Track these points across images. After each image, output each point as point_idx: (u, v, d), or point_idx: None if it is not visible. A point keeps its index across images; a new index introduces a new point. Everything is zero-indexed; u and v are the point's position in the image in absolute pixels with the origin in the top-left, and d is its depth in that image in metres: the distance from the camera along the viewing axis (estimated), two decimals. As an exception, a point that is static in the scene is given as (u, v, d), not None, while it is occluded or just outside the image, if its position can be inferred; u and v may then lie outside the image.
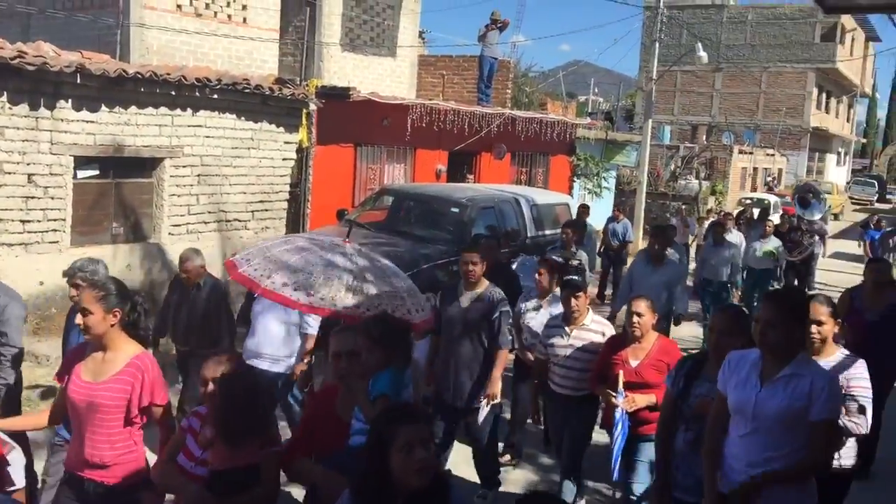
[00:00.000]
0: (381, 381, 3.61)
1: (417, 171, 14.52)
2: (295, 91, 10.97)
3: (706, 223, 16.46)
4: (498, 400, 5.70)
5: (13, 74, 7.91)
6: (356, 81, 14.57)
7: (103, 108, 8.85)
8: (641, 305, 5.00)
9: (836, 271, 17.80)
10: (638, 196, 19.77)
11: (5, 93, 7.96)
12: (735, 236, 12.20)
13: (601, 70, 48.80)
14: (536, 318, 6.35)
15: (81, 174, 8.89)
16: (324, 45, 14.83)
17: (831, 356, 4.44)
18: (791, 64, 40.64)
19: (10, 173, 8.11)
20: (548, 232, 11.98)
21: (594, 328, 5.50)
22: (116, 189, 9.38)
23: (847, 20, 40.01)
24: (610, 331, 5.51)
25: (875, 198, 44.42)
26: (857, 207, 39.78)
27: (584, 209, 12.60)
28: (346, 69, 15.35)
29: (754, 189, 32.44)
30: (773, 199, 26.58)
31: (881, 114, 64.66)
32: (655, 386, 4.84)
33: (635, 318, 4.98)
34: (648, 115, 20.29)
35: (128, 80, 8.85)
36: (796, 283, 14.25)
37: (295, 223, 11.88)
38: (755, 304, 11.78)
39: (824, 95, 43.94)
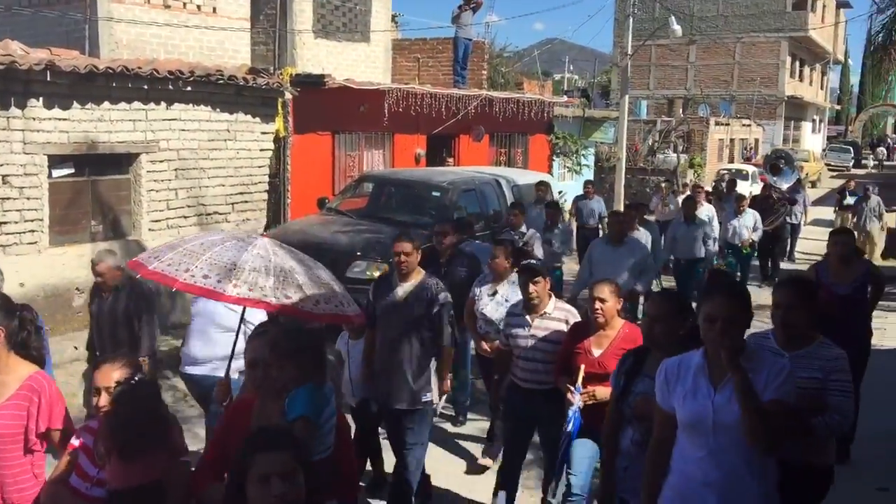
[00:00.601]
0: (298, 400, 3.27)
1: (396, 156, 14.46)
2: (269, 80, 10.86)
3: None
4: (440, 401, 5.37)
5: (-19, 75, 7.77)
6: (330, 68, 14.44)
7: (75, 105, 8.73)
8: (604, 290, 4.66)
9: (815, 239, 17.88)
10: (617, 172, 19.79)
11: (-26, 94, 7.82)
12: (705, 210, 11.96)
13: (575, 47, 48.83)
14: (491, 304, 6.05)
15: (56, 173, 8.77)
16: (296, 32, 14.68)
17: (808, 347, 3.87)
18: (764, 33, 40.79)
19: (-17, 175, 7.99)
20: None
21: (557, 316, 5.11)
22: (93, 187, 9.27)
23: (818, -12, 40.16)
24: (574, 318, 5.15)
25: (851, 164, 44.84)
26: (834, 174, 40.12)
27: (542, 187, 12.04)
28: (319, 56, 15.21)
29: (732, 160, 32.62)
30: (751, 169, 26.75)
31: (854, 80, 65.07)
32: None
33: (597, 305, 4.66)
34: (625, 90, 20.28)
35: (99, 75, 8.72)
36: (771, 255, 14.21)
37: (276, 213, 11.80)
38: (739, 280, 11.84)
39: (798, 64, 44.17)
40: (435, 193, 10.90)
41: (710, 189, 17.04)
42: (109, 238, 9.37)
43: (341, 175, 13.32)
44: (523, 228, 9.35)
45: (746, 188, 20.25)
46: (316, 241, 9.53)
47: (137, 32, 11.94)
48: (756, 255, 13.19)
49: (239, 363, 4.61)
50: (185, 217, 10.12)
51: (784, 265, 14.92)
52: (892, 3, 16.55)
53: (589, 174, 20.97)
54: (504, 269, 6.10)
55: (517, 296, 5.51)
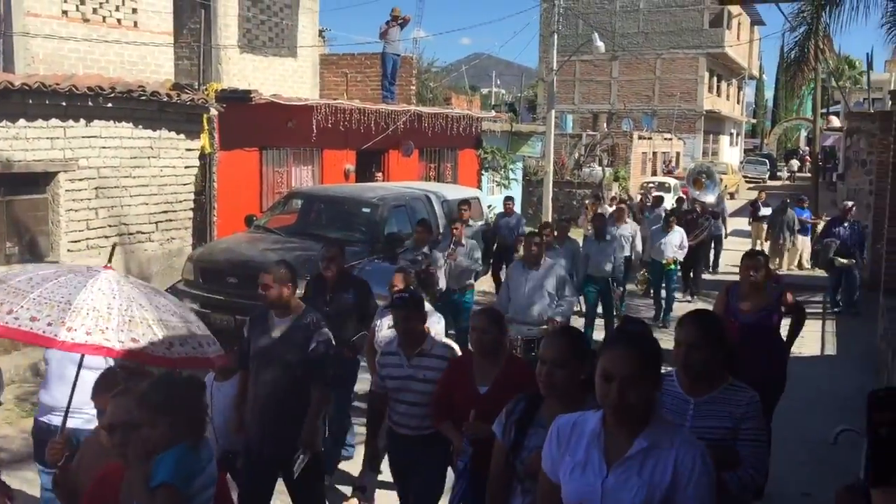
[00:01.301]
0: (164, 464, 2.80)
1: (325, 172, 14.35)
2: (194, 96, 10.68)
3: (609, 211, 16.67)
4: (308, 454, 4.65)
5: None
6: (257, 83, 14.26)
7: (-11, 122, 8.41)
8: (483, 319, 4.18)
9: (735, 250, 18.41)
10: (545, 186, 20.10)
11: None
12: (629, 227, 12.16)
13: (502, 62, 49.44)
14: (390, 336, 5.34)
15: (-31, 193, 8.43)
16: (221, 47, 14.46)
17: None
18: (683, 50, 42.07)
19: None
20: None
21: (438, 353, 4.59)
22: (7, 207, 8.93)
23: (733, 7, 41.65)
24: (454, 354, 4.71)
25: (767, 175, 46.52)
26: (751, 185, 41.53)
27: (465, 206, 11.30)
28: (245, 71, 15.01)
29: (654, 173, 33.45)
30: (673, 182, 27.46)
31: (768, 94, 67.68)
32: None
33: (475, 335, 4.15)
34: (551, 105, 20.64)
35: (14, 91, 8.43)
36: (691, 270, 13.96)
37: (202, 232, 11.57)
38: (662, 298, 11.96)
39: (715, 79, 45.68)
40: (365, 209, 10.84)
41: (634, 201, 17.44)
42: (26, 260, 9.03)
43: (269, 192, 13.15)
44: (426, 249, 8.93)
45: (669, 200, 20.73)
46: (243, 259, 9.38)
47: (55, 47, 11.56)
48: (678, 269, 12.96)
49: (83, 417, 4.15)
50: (107, 237, 9.83)
51: (709, 277, 15.18)
52: (804, 21, 17.26)
53: (517, 188, 21.22)
54: None
55: None
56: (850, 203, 13.43)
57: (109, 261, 3.70)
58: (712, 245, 16.05)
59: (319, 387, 4.68)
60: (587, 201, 19.37)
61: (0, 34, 11.11)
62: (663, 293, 12.08)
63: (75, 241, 9.45)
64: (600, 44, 21.47)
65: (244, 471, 4.72)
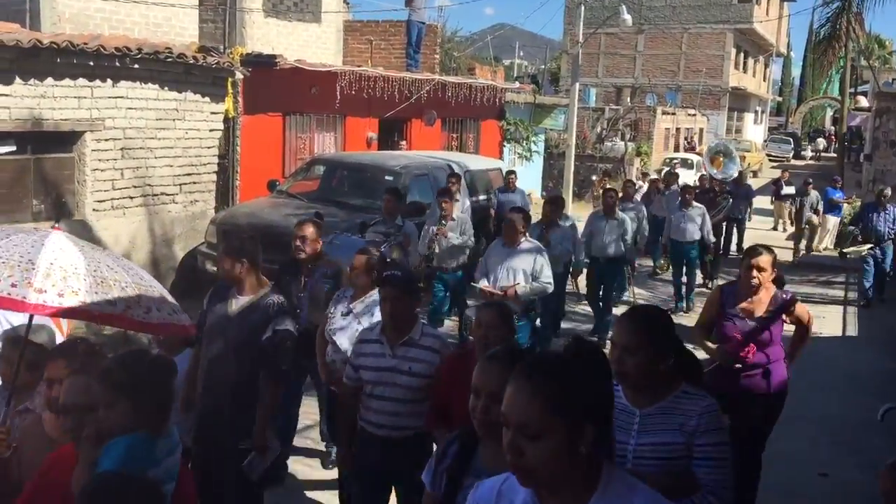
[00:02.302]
0: (113, 450, 2.47)
1: (348, 139, 14.34)
2: (219, 60, 10.66)
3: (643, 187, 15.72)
4: (258, 458, 4.22)
5: (-83, 46, 7.46)
6: (281, 48, 14.22)
7: (18, 80, 8.44)
8: (490, 315, 3.64)
9: (756, 229, 18.23)
10: (567, 159, 19.97)
11: (-90, 66, 7.51)
12: (633, 207, 11.23)
13: (526, 33, 48.97)
14: (347, 328, 4.72)
15: (-2, 150, 8.50)
16: (246, 10, 14.41)
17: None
18: (710, 25, 41.44)
19: (-81, 151, 7.69)
20: (481, 198, 12.05)
21: (427, 344, 4.00)
22: (36, 165, 9.00)
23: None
24: (445, 347, 4.11)
25: (791, 154, 45.98)
26: (775, 164, 41.10)
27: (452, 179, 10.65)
28: (269, 36, 14.96)
29: (677, 149, 33.17)
30: (696, 158, 27.22)
31: (795, 72, 66.62)
32: None
33: (481, 332, 3.60)
34: (575, 78, 20.44)
35: (43, 50, 8.45)
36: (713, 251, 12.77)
37: (224, 195, 11.61)
38: (682, 279, 11.18)
39: (742, 55, 45.02)
40: (387, 177, 10.84)
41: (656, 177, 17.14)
42: (52, 218, 9.10)
43: (292, 157, 13.17)
44: (399, 219, 8.17)
45: (691, 177, 20.52)
46: (266, 223, 9.42)
47: (81, 7, 11.57)
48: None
49: None
50: (131, 198, 9.91)
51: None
52: (836, -3, 16.97)
53: (539, 160, 21.11)
54: (363, 283, 4.78)
55: (373, 319, 4.50)
56: (888, 190, 12.46)
57: (57, 221, 3.45)
58: (734, 227, 15.19)
59: (269, 381, 4.22)
60: (594, 177, 18.82)
61: (28, -8, 11.13)
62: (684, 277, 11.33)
63: (101, 201, 9.53)
64: (627, 16, 21.17)
65: (194, 458, 4.17)
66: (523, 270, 6.76)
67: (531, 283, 6.74)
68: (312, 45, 15.97)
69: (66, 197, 9.34)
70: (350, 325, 4.73)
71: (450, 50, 24.14)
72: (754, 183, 31.42)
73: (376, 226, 8.14)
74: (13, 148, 8.68)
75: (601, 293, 9.60)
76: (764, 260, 4.79)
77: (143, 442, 2.52)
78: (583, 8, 20.19)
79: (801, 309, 5.09)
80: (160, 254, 10.28)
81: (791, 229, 19.24)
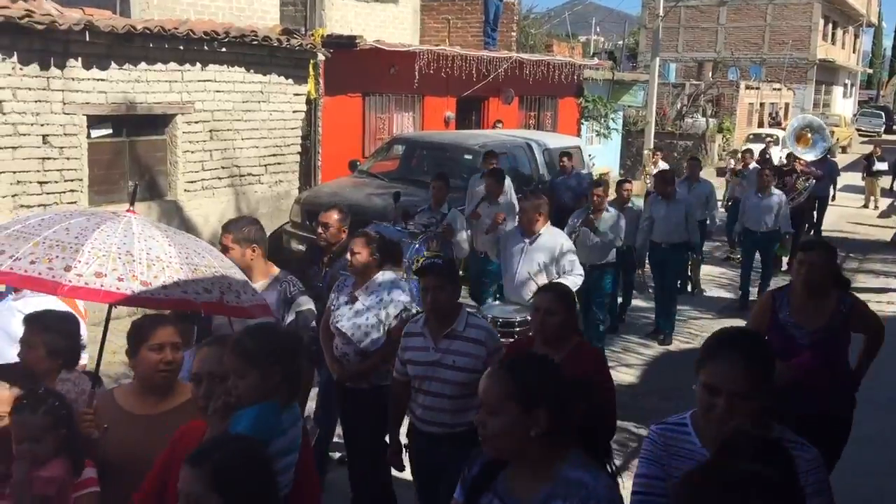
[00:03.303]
0: (243, 418, 2.51)
1: (426, 118, 14.41)
2: (302, 42, 10.83)
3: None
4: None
5: (22, 34, 7.81)
6: (359, 29, 14.36)
7: (113, 65, 8.76)
8: (547, 299, 3.65)
9: (845, 206, 17.54)
10: (646, 136, 19.61)
11: (15, 53, 7.86)
12: (703, 186, 10.52)
13: (602, 9, 48.00)
14: (347, 315, 4.42)
15: (95, 133, 8.85)
16: (326, -8, 14.57)
17: None
18: (797, -5, 39.95)
19: (25, 135, 8.07)
20: (560, 178, 11.96)
21: (472, 336, 3.82)
22: (130, 147, 9.35)
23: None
24: (494, 340, 3.91)
25: (882, 129, 44.13)
26: (865, 139, 39.48)
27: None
28: (348, 17, 15.11)
29: (761, 125, 32.18)
30: (781, 133, 26.37)
31: (887, 43, 63.99)
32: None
33: (538, 317, 3.63)
34: (655, 53, 20.00)
35: (136, 35, 8.75)
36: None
37: (307, 176, 11.84)
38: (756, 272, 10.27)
39: (830, 26, 43.27)
40: (467, 156, 10.88)
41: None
42: (146, 199, 9.47)
43: (371, 137, 13.32)
44: (445, 206, 7.58)
45: (776, 154, 19.85)
46: (349, 202, 9.57)
47: (169, -8, 11.92)
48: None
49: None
50: (220, 178, 10.20)
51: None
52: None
53: (617, 138, 20.81)
54: (365, 269, 4.43)
55: (382, 305, 4.33)
56: None
57: (132, 204, 3.25)
58: (815, 208, 14.32)
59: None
60: (646, 151, 17.55)
61: (119, -20, 11.52)
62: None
63: (191, 182, 9.84)
64: (710, -12, 20.56)
65: None
66: (543, 263, 6.01)
67: (563, 278, 5.87)
68: (390, 25, 16.06)
69: (159, 178, 9.68)
70: (354, 313, 4.41)
71: (526, 27, 23.92)
72: (843, 159, 30.36)
73: (420, 215, 7.54)
74: (109, 131, 9.03)
75: (665, 283, 8.84)
76: (818, 255, 4.11)
77: (270, 411, 2.55)
78: (663, -19, 19.69)
79: (870, 314, 4.35)
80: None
81: (883, 207, 18.51)
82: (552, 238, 6.10)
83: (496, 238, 7.31)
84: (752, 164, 13.19)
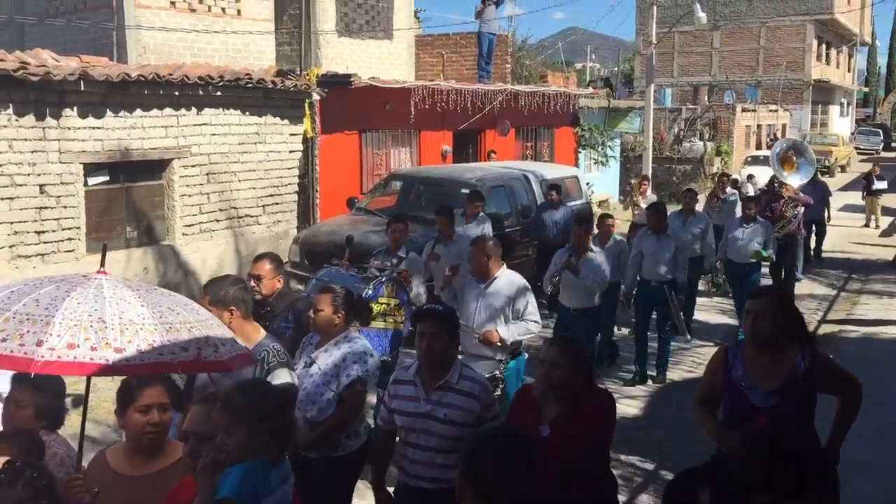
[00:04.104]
0: (230, 477, 2.48)
1: (423, 153, 14.47)
2: (297, 82, 10.92)
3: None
4: None
5: (17, 86, 7.89)
6: (354, 66, 14.48)
7: (108, 113, 8.83)
8: (554, 352, 3.46)
9: (844, 226, 17.43)
10: (644, 162, 19.66)
11: (11, 105, 7.95)
12: (697, 220, 9.82)
13: (597, 36, 48.49)
14: (310, 374, 4.13)
15: (92, 181, 8.90)
16: (320, 33, 14.72)
17: None
18: (789, 17, 40.24)
19: (21, 185, 8.12)
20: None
21: (465, 388, 3.67)
22: (127, 193, 9.39)
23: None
24: (487, 392, 3.78)
25: (881, 146, 44.22)
26: (864, 157, 39.54)
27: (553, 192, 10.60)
28: (343, 55, 15.25)
29: (759, 146, 32.26)
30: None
31: (882, 61, 64.15)
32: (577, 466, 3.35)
33: (543, 369, 3.47)
34: (650, 79, 20.12)
35: (131, 83, 8.83)
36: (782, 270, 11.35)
37: (305, 215, 11.87)
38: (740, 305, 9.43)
39: (824, 46, 43.52)
40: (464, 191, 10.88)
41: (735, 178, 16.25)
42: (144, 244, 9.49)
43: (369, 174, 13.36)
44: (404, 249, 6.84)
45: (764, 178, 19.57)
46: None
47: (164, 37, 12.05)
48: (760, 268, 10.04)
49: None
50: (218, 221, 10.22)
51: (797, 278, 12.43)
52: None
53: (615, 165, 20.86)
54: (329, 327, 4.18)
55: (337, 372, 4.05)
56: None
57: (102, 264, 3.12)
58: (812, 232, 13.67)
59: None
60: (633, 180, 16.75)
61: (114, 27, 11.65)
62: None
63: (189, 225, 9.86)
64: (702, 14, 20.75)
65: None
66: (499, 309, 5.48)
67: (513, 322, 5.48)
68: (385, 61, 16.19)
69: (157, 223, 9.70)
70: (311, 375, 4.11)
71: (521, 58, 24.11)
72: (842, 178, 30.40)
73: (376, 256, 7.02)
74: (106, 178, 9.08)
75: (655, 323, 8.22)
76: (770, 302, 3.59)
77: (258, 469, 2.52)
78: (655, 8, 19.86)
79: (840, 372, 3.75)
80: (246, 274, 10.54)
81: (884, 225, 18.45)
82: (508, 281, 5.57)
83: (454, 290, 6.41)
84: (730, 190, 12.94)
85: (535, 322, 5.55)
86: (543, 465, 3.08)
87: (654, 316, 8.22)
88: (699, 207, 10.76)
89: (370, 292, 5.91)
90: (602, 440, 3.52)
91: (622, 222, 13.18)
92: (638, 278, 8.26)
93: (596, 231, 8.48)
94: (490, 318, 5.45)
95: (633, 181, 13.79)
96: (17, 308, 2.75)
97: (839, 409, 3.69)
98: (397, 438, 3.84)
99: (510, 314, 5.49)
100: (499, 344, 5.36)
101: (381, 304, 6.02)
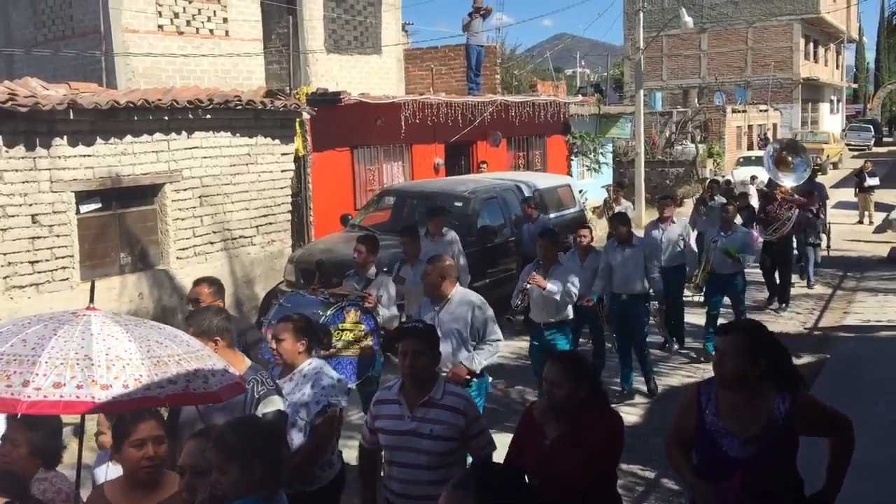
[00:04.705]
0: None
1: (416, 167, 14.50)
2: (286, 102, 10.93)
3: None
4: None
5: (6, 117, 7.89)
6: (344, 82, 14.52)
7: (98, 140, 8.83)
8: (554, 372, 3.44)
9: (839, 223, 17.41)
10: (637, 167, 19.74)
11: (0, 136, 7.94)
12: (676, 228, 9.39)
13: (586, 42, 48.66)
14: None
15: (84, 209, 8.88)
16: (309, 51, 14.76)
17: None
18: (776, 17, 40.43)
19: (13, 216, 8.11)
20: (552, 215, 11.99)
21: (449, 403, 3.68)
22: (120, 220, 9.38)
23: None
24: (473, 408, 3.78)
25: (872, 142, 44.39)
26: (856, 154, 39.67)
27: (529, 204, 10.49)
28: (332, 71, 15.29)
29: (751, 147, 32.35)
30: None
31: (870, 57, 64.33)
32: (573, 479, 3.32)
33: (546, 388, 3.46)
34: (639, 84, 20.21)
35: (120, 110, 8.83)
36: (776, 272, 11.22)
37: (300, 233, 11.88)
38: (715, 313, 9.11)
39: (812, 45, 43.73)
40: (457, 203, 10.90)
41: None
42: (139, 269, 9.48)
43: (362, 190, 13.38)
44: (372, 271, 6.60)
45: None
46: (342, 258, 9.57)
47: (153, 61, 12.09)
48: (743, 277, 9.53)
49: None
50: (212, 243, 10.21)
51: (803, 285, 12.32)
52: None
53: (608, 171, 20.91)
54: (291, 356, 4.13)
55: (304, 401, 3.97)
56: None
57: (91, 301, 3.17)
58: (814, 234, 12.88)
59: None
60: (605, 188, 15.84)
61: (103, 52, 11.68)
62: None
63: (183, 249, 9.85)
64: (688, 19, 20.85)
65: None
66: (458, 331, 5.23)
67: (479, 348, 5.28)
68: (374, 76, 16.24)
69: (150, 248, 9.69)
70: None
71: (510, 67, 24.19)
72: (835, 175, 30.45)
73: (348, 279, 6.75)
74: (98, 205, 9.07)
75: (632, 339, 7.89)
76: (729, 344, 3.21)
77: None
78: (641, 14, 19.96)
79: (828, 411, 3.32)
80: (242, 295, 10.55)
81: (877, 222, 18.51)
82: (464, 301, 5.28)
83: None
84: (718, 197, 12.61)
85: (497, 340, 5.40)
86: (547, 478, 3.24)
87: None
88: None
89: (328, 317, 5.63)
90: (605, 462, 3.45)
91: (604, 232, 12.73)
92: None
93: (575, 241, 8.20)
94: (448, 342, 5.09)
95: (606, 189, 12.66)
96: (5, 349, 2.77)
97: (832, 453, 3.30)
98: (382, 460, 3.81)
99: (469, 336, 5.26)
100: (468, 378, 5.20)
101: (343, 330, 5.74)
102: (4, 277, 8.06)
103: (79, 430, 3.65)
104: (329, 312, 5.63)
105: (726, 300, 9.31)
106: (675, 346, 9.05)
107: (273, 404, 3.70)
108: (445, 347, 4.93)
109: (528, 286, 6.75)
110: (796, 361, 8.58)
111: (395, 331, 4.04)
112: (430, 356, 3.73)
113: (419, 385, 3.69)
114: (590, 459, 3.33)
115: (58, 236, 8.52)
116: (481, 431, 3.76)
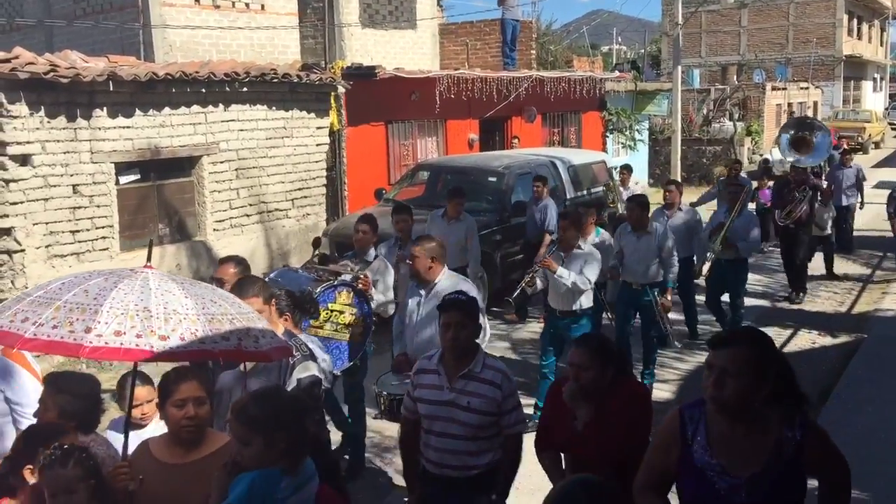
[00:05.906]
0: (238, 485, 2.48)
1: (450, 142, 14.46)
2: (322, 76, 10.96)
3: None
4: None
5: (48, 88, 8.00)
6: (378, 57, 14.50)
7: (137, 112, 8.94)
8: (581, 354, 3.43)
9: (875, 202, 16.86)
10: (673, 144, 19.45)
11: (42, 107, 8.06)
12: (681, 216, 8.53)
13: (623, 18, 47.98)
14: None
15: (123, 180, 9.02)
16: (344, 25, 14.74)
17: None
18: (818, -8, 39.48)
19: (55, 186, 8.25)
20: (587, 192, 11.91)
21: (488, 377, 3.67)
22: (158, 191, 9.51)
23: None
24: (509, 382, 3.72)
25: (916, 121, 43.29)
26: (898, 133, 38.77)
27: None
28: (367, 46, 15.26)
29: (790, 125, 31.71)
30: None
31: (916, 34, 62.56)
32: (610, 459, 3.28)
33: (573, 372, 3.44)
34: (677, 61, 19.87)
35: (159, 82, 8.92)
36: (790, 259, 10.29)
37: (334, 207, 11.94)
38: (725, 310, 8.59)
39: (855, 21, 42.64)
40: (491, 179, 10.87)
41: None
42: (176, 241, 9.61)
43: (396, 164, 13.39)
44: (371, 253, 6.14)
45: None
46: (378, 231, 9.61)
47: (189, 34, 12.15)
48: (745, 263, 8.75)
49: None
50: (248, 216, 10.31)
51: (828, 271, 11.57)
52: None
53: (644, 148, 20.67)
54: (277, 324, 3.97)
55: (293, 370, 3.79)
56: None
57: (149, 259, 3.24)
58: (841, 221, 12.25)
59: None
60: (615, 168, 15.09)
61: (141, 25, 11.77)
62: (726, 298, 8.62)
63: (220, 221, 9.97)
64: (729, -7, 20.41)
65: None
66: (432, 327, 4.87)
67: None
68: (409, 50, 16.18)
69: (188, 219, 9.81)
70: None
71: (546, 43, 23.94)
72: (876, 154, 29.77)
73: (346, 260, 6.31)
74: (137, 176, 9.20)
75: (641, 330, 7.36)
76: (726, 360, 2.58)
77: (266, 479, 2.50)
78: (681, -12, 19.58)
79: (832, 452, 2.70)
80: (277, 267, 10.64)
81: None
82: (452, 285, 4.80)
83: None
84: (743, 175, 11.69)
85: (484, 330, 4.77)
86: (577, 461, 3.34)
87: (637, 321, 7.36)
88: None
89: (318, 295, 5.35)
90: (638, 438, 3.34)
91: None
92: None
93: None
94: (431, 328, 4.73)
95: (616, 171, 12.04)
96: (68, 298, 2.88)
97: (821, 498, 2.73)
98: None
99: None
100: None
101: (333, 311, 5.46)
102: (47, 246, 8.22)
103: (119, 395, 3.73)
104: (318, 290, 5.38)
105: (725, 299, 8.66)
106: (677, 344, 8.22)
107: (308, 370, 3.73)
108: (428, 332, 4.75)
109: (538, 268, 6.43)
110: (832, 341, 8.66)
111: (443, 302, 3.78)
112: (472, 328, 3.71)
113: (459, 357, 3.68)
114: (623, 438, 3.33)
115: (98, 206, 8.66)
116: (514, 408, 3.73)
